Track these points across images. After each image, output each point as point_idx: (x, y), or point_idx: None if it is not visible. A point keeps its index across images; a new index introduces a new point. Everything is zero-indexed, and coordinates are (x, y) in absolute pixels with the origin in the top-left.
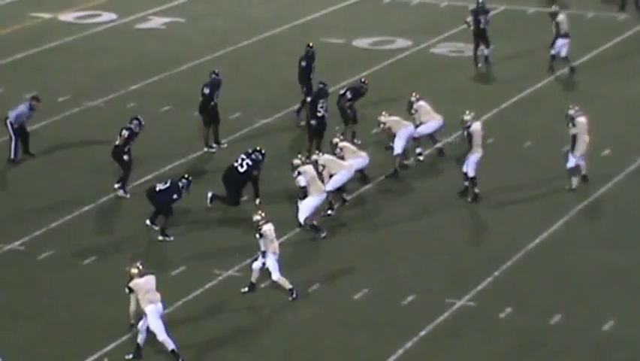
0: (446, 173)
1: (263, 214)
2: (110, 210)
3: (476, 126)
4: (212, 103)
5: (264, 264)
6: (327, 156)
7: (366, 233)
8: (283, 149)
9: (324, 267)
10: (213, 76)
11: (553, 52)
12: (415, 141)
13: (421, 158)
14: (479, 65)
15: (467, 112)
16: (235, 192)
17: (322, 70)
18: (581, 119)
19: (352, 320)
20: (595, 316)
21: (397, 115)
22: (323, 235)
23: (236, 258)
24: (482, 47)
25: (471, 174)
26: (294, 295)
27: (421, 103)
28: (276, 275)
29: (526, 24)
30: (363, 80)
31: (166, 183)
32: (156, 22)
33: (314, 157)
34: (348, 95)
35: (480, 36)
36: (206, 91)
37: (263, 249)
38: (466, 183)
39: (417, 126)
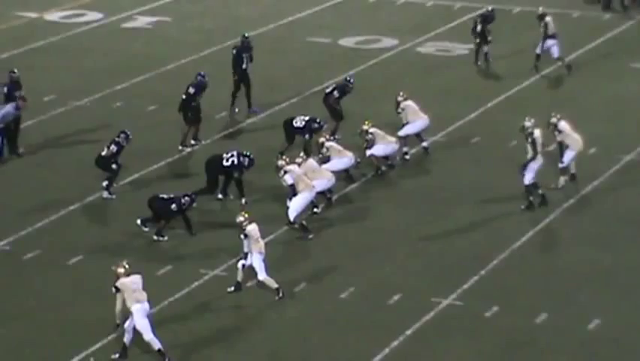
0: (431, 172)
1: (246, 215)
2: (96, 209)
3: (538, 133)
4: (194, 103)
5: (243, 265)
6: (310, 161)
7: (353, 232)
8: (269, 148)
9: (310, 266)
10: (199, 78)
11: (538, 51)
12: (401, 140)
13: (408, 157)
14: (479, 62)
15: (527, 118)
16: (213, 180)
17: (308, 69)
18: (563, 124)
19: (339, 320)
20: (581, 315)
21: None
22: (310, 236)
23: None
24: (483, 45)
25: (527, 182)
26: (281, 295)
27: (408, 102)
28: (262, 275)
29: (511, 23)
30: (348, 78)
31: (170, 195)
32: (142, 21)
33: (298, 160)
34: (336, 93)
35: (482, 36)
36: (192, 90)
37: (246, 250)
38: (542, 193)
39: (403, 125)
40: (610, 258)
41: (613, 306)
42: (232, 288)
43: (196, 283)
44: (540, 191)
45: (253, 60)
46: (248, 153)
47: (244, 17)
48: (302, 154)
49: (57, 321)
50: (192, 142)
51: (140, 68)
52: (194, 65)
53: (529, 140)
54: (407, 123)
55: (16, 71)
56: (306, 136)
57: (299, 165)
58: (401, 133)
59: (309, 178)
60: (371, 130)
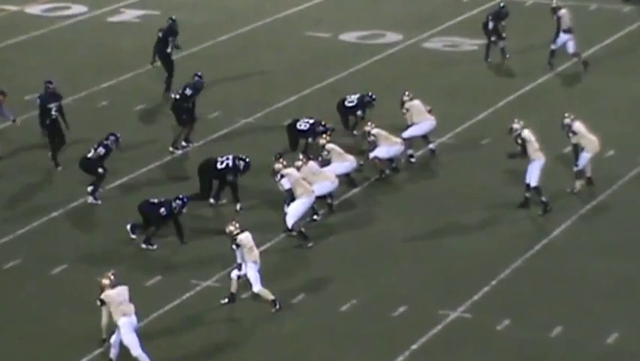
0: (439, 175)
1: (237, 224)
2: (81, 216)
3: (527, 133)
4: (186, 104)
5: (238, 276)
6: (311, 164)
7: (355, 240)
8: (265, 150)
9: (309, 276)
10: (196, 78)
11: (553, 47)
12: (406, 142)
13: (413, 160)
14: (489, 59)
15: (516, 120)
16: (207, 185)
17: (307, 66)
18: (578, 124)
19: (339, 333)
20: (598, 328)
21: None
22: (310, 244)
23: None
24: (498, 41)
25: (534, 183)
26: (277, 307)
27: (414, 102)
28: (257, 287)
29: (524, 17)
30: (371, 94)
31: (160, 199)
32: (129, 14)
33: (298, 163)
34: (360, 113)
35: (495, 33)
36: (189, 92)
37: (239, 261)
38: (527, 195)
39: (408, 127)
40: (629, 267)
41: (633, 319)
42: (226, 300)
43: (187, 295)
44: (527, 194)
45: (179, 47)
46: (244, 157)
47: (238, 10)
48: (301, 156)
49: (39, 335)
50: (184, 144)
51: (128, 64)
52: (184, 61)
53: (519, 142)
54: (412, 124)
55: (52, 82)
56: (309, 139)
57: (298, 168)
58: (405, 135)
59: (310, 181)
60: (373, 131)
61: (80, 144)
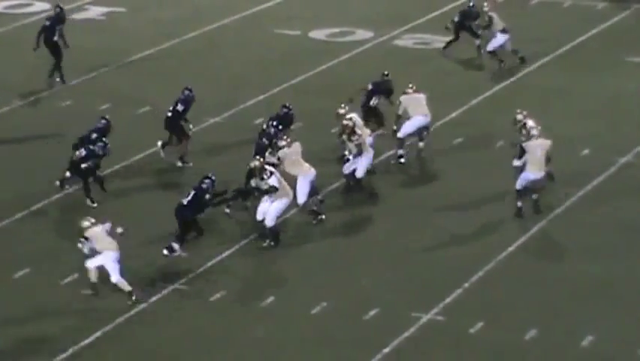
0: (412, 176)
1: (92, 219)
2: (44, 217)
3: (531, 123)
4: (180, 120)
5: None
6: (296, 145)
7: (325, 241)
8: (234, 149)
9: (279, 279)
10: (186, 92)
11: (489, 49)
12: (398, 141)
13: (403, 160)
14: (447, 49)
15: (518, 110)
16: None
17: (275, 64)
18: (531, 122)
19: (310, 337)
20: (573, 331)
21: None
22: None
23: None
24: (474, 39)
25: (518, 187)
26: (134, 299)
27: (416, 95)
28: (115, 277)
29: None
30: (386, 73)
31: (189, 194)
32: (94, 12)
33: (282, 143)
34: (374, 101)
35: (470, 32)
36: (181, 108)
37: (88, 253)
38: (519, 204)
39: (397, 117)
40: (604, 269)
41: (607, 321)
42: (89, 291)
43: (154, 298)
44: (534, 196)
45: (64, 37)
46: (209, 175)
47: (206, 7)
48: (285, 137)
49: (2, 342)
50: (179, 164)
51: (92, 63)
52: (151, 59)
53: (523, 133)
54: (401, 119)
55: None
56: (271, 129)
57: (279, 158)
58: (400, 135)
59: (289, 171)
60: (350, 115)
61: (42, 146)
